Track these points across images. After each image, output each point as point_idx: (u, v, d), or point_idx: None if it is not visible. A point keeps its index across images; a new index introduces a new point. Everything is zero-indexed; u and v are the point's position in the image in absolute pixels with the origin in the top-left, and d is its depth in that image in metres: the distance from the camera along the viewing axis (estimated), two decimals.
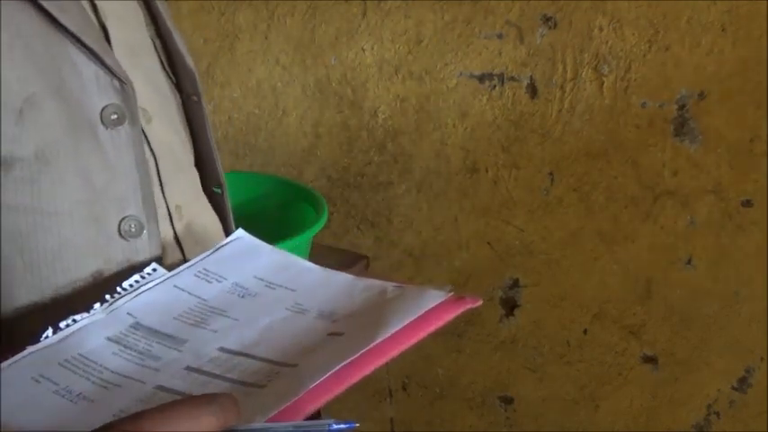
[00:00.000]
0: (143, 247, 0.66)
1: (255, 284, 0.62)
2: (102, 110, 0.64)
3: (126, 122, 0.65)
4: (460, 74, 1.60)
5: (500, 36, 1.56)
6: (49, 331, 0.55)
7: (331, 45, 1.66)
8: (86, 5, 0.66)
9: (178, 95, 0.77)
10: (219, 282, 0.62)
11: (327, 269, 0.64)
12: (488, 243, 1.69)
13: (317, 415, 0.49)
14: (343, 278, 0.62)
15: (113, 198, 0.64)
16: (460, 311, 0.56)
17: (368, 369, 0.50)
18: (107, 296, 0.59)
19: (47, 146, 0.61)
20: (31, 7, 0.61)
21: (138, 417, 0.42)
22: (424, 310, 0.55)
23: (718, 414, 1.65)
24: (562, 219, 1.63)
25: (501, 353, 1.77)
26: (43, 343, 0.54)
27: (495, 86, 1.59)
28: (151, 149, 0.69)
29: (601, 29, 1.50)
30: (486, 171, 1.64)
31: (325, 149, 1.73)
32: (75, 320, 0.56)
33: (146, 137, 0.69)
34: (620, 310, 1.65)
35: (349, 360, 0.50)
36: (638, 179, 1.56)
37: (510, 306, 1.73)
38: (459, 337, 1.78)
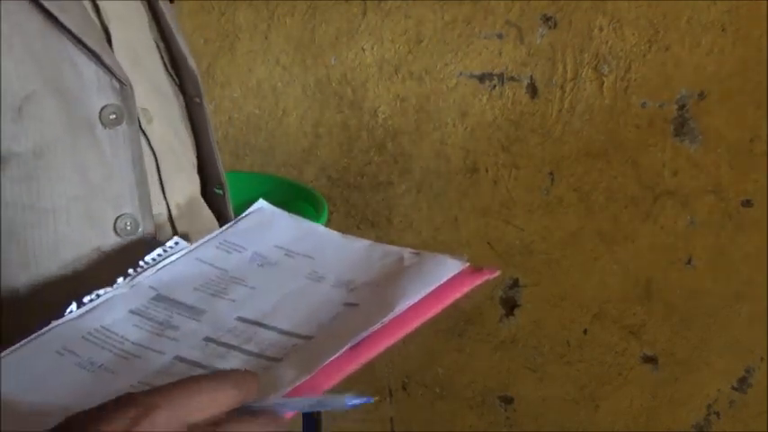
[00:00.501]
0: (138, 245, 0.66)
1: (275, 253, 0.62)
2: (102, 110, 0.64)
3: (124, 122, 0.65)
4: (460, 74, 1.61)
5: (500, 36, 1.56)
6: (73, 306, 0.56)
7: (331, 45, 1.66)
8: (89, 6, 0.67)
9: (181, 97, 0.77)
10: (240, 252, 0.62)
11: (346, 236, 0.64)
12: (488, 243, 1.69)
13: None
14: (360, 245, 0.63)
15: (110, 196, 0.65)
16: (478, 283, 0.55)
17: (383, 345, 0.50)
18: (129, 270, 0.59)
19: (45, 143, 0.61)
20: (32, 6, 0.61)
21: (157, 391, 0.42)
22: (442, 281, 0.54)
23: (718, 414, 1.65)
24: (562, 219, 1.63)
25: (501, 353, 1.77)
26: (67, 317, 0.55)
27: (495, 86, 1.59)
28: (152, 149, 0.70)
29: (601, 29, 1.50)
30: (486, 171, 1.64)
31: (326, 149, 1.73)
32: (98, 295, 0.57)
33: (147, 137, 0.69)
34: (620, 310, 1.65)
35: (364, 335, 0.49)
36: (638, 179, 1.56)
37: (510, 306, 1.73)
38: (459, 337, 1.78)
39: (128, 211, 0.65)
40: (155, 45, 0.74)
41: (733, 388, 1.62)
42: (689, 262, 1.58)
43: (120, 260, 0.63)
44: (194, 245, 0.63)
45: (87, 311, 0.56)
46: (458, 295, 0.54)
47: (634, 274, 1.62)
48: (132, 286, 0.58)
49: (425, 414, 1.87)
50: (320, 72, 1.68)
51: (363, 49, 1.65)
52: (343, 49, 1.66)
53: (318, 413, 1.58)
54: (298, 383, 0.47)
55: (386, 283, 0.56)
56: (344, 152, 1.72)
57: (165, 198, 0.71)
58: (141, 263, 0.60)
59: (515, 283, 1.71)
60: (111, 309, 0.56)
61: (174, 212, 0.72)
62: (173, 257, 0.61)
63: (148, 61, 0.73)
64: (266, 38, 1.70)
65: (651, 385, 1.68)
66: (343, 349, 0.49)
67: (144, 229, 0.66)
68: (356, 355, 0.49)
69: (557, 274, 1.67)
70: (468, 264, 0.55)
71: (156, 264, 0.60)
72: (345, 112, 1.70)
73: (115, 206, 0.65)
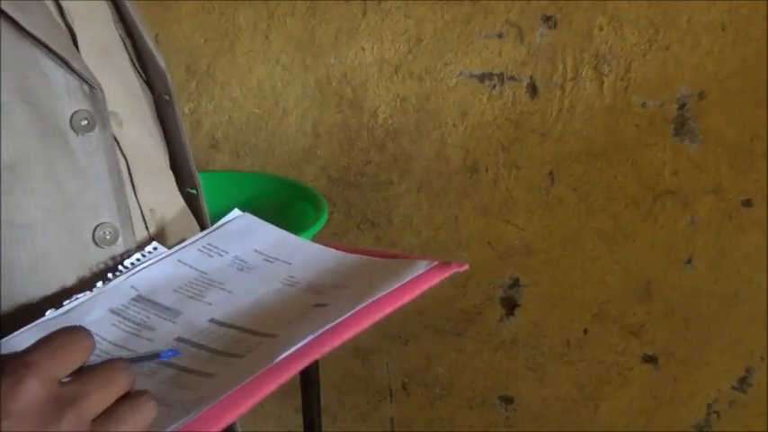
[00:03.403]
0: (118, 254, 0.64)
1: (254, 258, 0.64)
2: (72, 116, 0.62)
3: (96, 128, 0.63)
4: (460, 73, 1.60)
5: (500, 36, 1.56)
6: (50, 311, 0.56)
7: (331, 45, 1.66)
8: (51, 6, 0.64)
9: (150, 94, 0.75)
10: (221, 255, 0.64)
11: (321, 246, 0.66)
12: (488, 243, 1.69)
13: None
14: (334, 254, 0.65)
15: (87, 206, 0.63)
16: (445, 276, 0.58)
17: (345, 335, 0.52)
18: (109, 274, 0.60)
19: (18, 156, 0.59)
20: None
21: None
22: (408, 279, 0.57)
23: (718, 414, 1.65)
24: (562, 219, 1.63)
25: (501, 353, 1.77)
26: (46, 317, 0.55)
27: (495, 86, 1.59)
28: (123, 154, 0.67)
29: (601, 29, 1.50)
30: (487, 171, 1.64)
31: (326, 149, 1.73)
32: (77, 298, 0.58)
33: (117, 141, 0.67)
34: (620, 310, 1.65)
35: (328, 327, 0.52)
36: (638, 179, 1.56)
37: (510, 306, 1.73)
38: (459, 337, 1.78)
39: (106, 219, 0.63)
40: (121, 42, 0.72)
41: (733, 388, 1.62)
42: (689, 262, 1.58)
43: (103, 271, 0.62)
44: (178, 247, 0.64)
45: (67, 311, 0.56)
46: (424, 287, 0.57)
47: (634, 273, 1.62)
48: (112, 287, 0.59)
49: (425, 414, 1.87)
50: (320, 72, 1.68)
51: (363, 49, 1.65)
52: (343, 49, 1.66)
53: (319, 413, 1.58)
54: (255, 375, 0.49)
55: (355, 286, 0.58)
56: (344, 152, 1.72)
57: (138, 203, 0.69)
58: (120, 267, 0.61)
59: (515, 283, 1.71)
60: (92, 308, 0.57)
61: (147, 217, 0.70)
62: (155, 259, 0.62)
63: (117, 60, 0.71)
64: (266, 38, 1.70)
65: (651, 385, 1.68)
66: (305, 341, 0.51)
67: (124, 236, 0.64)
68: (319, 344, 0.51)
69: (557, 274, 1.67)
70: (436, 263, 0.58)
71: (135, 268, 0.61)
72: (345, 112, 1.70)
73: (93, 216, 0.63)
